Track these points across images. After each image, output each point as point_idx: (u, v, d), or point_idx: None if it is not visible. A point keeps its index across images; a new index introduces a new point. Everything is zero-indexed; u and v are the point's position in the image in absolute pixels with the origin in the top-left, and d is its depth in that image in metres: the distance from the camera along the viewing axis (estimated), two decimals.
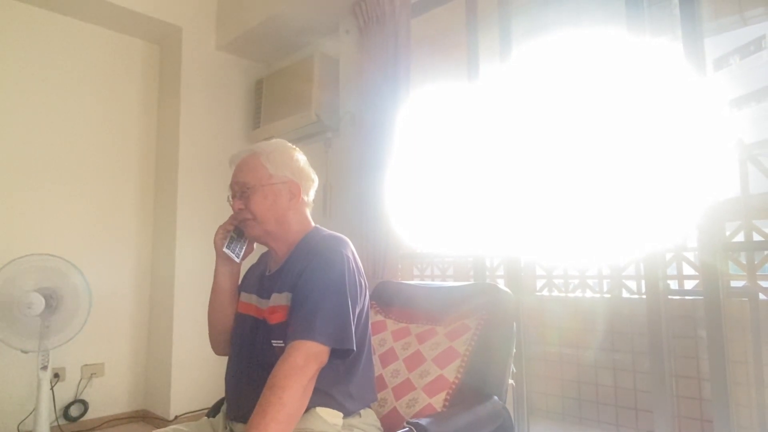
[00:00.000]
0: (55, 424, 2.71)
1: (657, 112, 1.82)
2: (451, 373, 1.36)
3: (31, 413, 2.40)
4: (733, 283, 2.13)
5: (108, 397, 2.99)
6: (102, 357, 2.99)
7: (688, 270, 2.52)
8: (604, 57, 2.09)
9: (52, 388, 2.51)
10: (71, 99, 2.96)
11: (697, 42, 1.77)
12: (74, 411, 2.83)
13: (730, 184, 2.04)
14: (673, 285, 2.54)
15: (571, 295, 3.00)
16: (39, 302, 2.23)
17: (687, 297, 2.51)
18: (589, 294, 2.95)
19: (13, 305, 2.25)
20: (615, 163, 1.97)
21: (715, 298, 1.68)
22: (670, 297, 2.05)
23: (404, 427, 1.09)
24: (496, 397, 1.31)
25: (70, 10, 2.92)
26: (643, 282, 2.58)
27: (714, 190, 1.72)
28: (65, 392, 2.82)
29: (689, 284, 2.57)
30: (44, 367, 2.34)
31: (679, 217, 1.85)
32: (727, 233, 2.10)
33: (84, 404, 2.87)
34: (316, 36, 3.15)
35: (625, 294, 2.80)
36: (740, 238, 2.14)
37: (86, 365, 2.91)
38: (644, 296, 2.12)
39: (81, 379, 2.89)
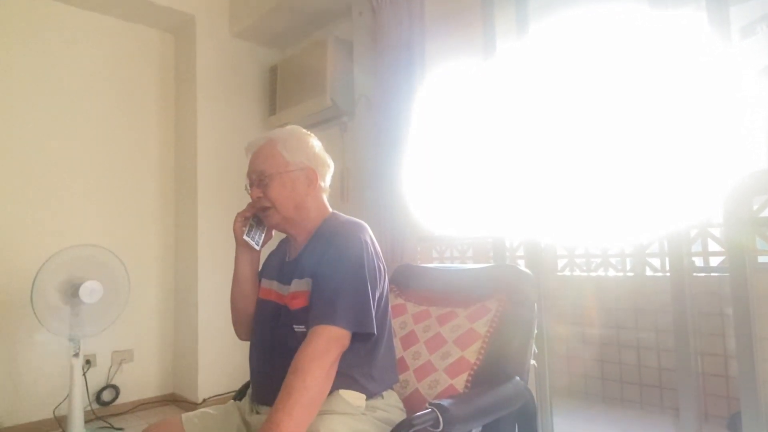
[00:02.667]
0: (89, 408, 2.80)
1: (681, 84, 1.77)
2: (472, 354, 1.37)
3: (65, 399, 2.48)
4: (761, 259, 2.08)
5: (138, 382, 3.09)
6: (131, 343, 3.07)
7: (713, 246, 2.47)
8: (624, 30, 2.02)
9: (84, 375, 2.59)
10: (89, 91, 3.00)
11: (722, 10, 1.71)
12: (106, 396, 2.93)
13: (757, 157, 1.98)
14: (698, 262, 2.50)
15: (593, 274, 2.97)
16: (98, 289, 2.35)
17: (713, 274, 2.46)
18: (611, 273, 2.92)
19: (57, 294, 2.34)
20: (637, 139, 1.93)
21: (742, 275, 1.64)
22: (695, 274, 2.01)
23: (427, 408, 1.10)
24: (518, 378, 1.31)
25: (86, 2, 2.94)
26: (667, 259, 2.54)
27: (741, 163, 1.67)
28: (97, 378, 2.92)
29: (715, 261, 2.52)
30: (76, 354, 2.41)
31: (703, 192, 1.81)
32: (755, 207, 2.05)
33: (115, 389, 2.96)
34: (329, 19, 3.13)
35: (648, 272, 2.76)
36: None
37: (116, 351, 3.00)
38: (668, 274, 2.09)
39: (111, 365, 2.98)
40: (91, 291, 2.33)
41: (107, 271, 2.46)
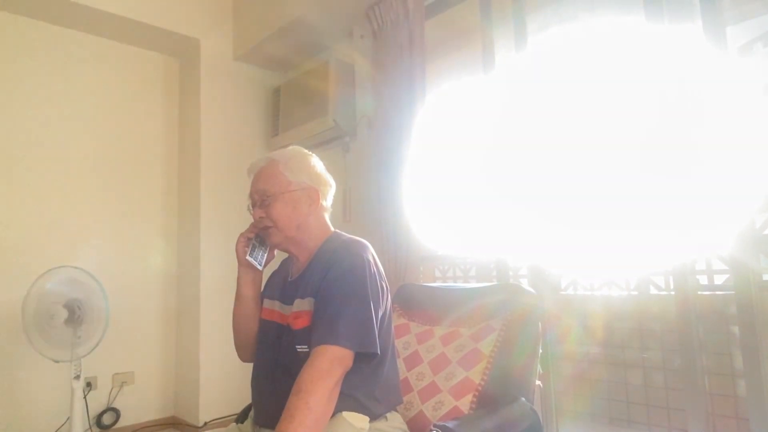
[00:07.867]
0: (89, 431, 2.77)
1: (680, 99, 1.78)
2: (476, 375, 1.35)
3: (65, 422, 2.46)
4: (765, 277, 2.07)
5: (139, 405, 3.05)
6: (132, 365, 3.05)
7: (717, 264, 2.45)
8: (622, 48, 2.04)
9: (84, 397, 2.56)
10: (96, 114, 3.04)
11: (719, 30, 1.73)
12: (107, 419, 2.89)
13: (762, 174, 1.98)
14: (703, 280, 2.48)
15: (597, 293, 2.95)
16: (61, 313, 2.29)
17: (717, 292, 2.44)
18: (616, 291, 2.90)
19: (44, 316, 2.31)
20: (638, 157, 1.93)
21: (747, 293, 1.63)
22: (699, 293, 2.00)
23: (431, 430, 1.08)
24: (523, 399, 1.30)
25: (93, 28, 2.99)
26: (671, 278, 2.52)
27: (745, 181, 1.68)
28: (97, 401, 2.89)
29: (719, 278, 2.50)
30: (77, 377, 2.39)
31: (708, 214, 1.80)
32: (757, 225, 2.04)
33: (116, 412, 2.93)
34: (330, 42, 3.17)
35: (653, 290, 2.74)
36: None
37: (117, 374, 2.98)
38: (673, 292, 2.07)
39: (112, 388, 2.95)
40: (51, 315, 2.27)
41: (89, 294, 2.39)
